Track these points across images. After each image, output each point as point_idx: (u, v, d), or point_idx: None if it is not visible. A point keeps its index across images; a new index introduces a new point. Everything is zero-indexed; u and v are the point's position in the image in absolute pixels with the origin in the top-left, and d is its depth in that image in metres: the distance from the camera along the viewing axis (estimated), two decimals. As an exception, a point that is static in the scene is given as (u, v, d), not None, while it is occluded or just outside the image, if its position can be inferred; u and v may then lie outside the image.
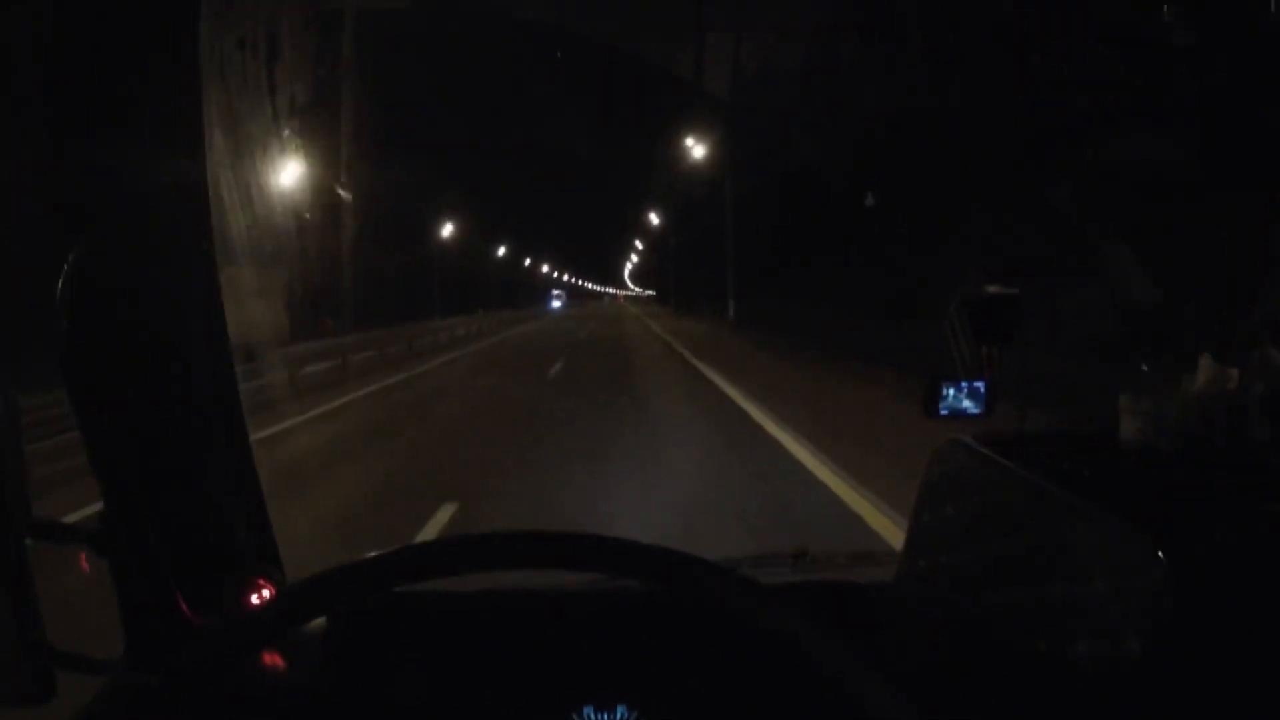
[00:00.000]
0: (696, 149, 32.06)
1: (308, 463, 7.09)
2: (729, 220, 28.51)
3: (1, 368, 0.83)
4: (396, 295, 31.59)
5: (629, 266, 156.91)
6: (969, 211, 11.11)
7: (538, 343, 25.52)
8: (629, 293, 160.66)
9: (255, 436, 1.13)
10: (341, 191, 21.82)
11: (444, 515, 5.08)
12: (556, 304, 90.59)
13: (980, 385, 1.18)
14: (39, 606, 0.83)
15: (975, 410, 1.19)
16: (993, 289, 1.24)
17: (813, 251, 19.74)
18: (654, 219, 65.19)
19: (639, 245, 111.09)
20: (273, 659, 1.00)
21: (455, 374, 16.08)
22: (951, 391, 1.18)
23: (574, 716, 0.97)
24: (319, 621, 1.02)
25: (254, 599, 1.05)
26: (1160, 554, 0.68)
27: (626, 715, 0.97)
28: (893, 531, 4.42)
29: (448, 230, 45.40)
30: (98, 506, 0.91)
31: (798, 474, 6.15)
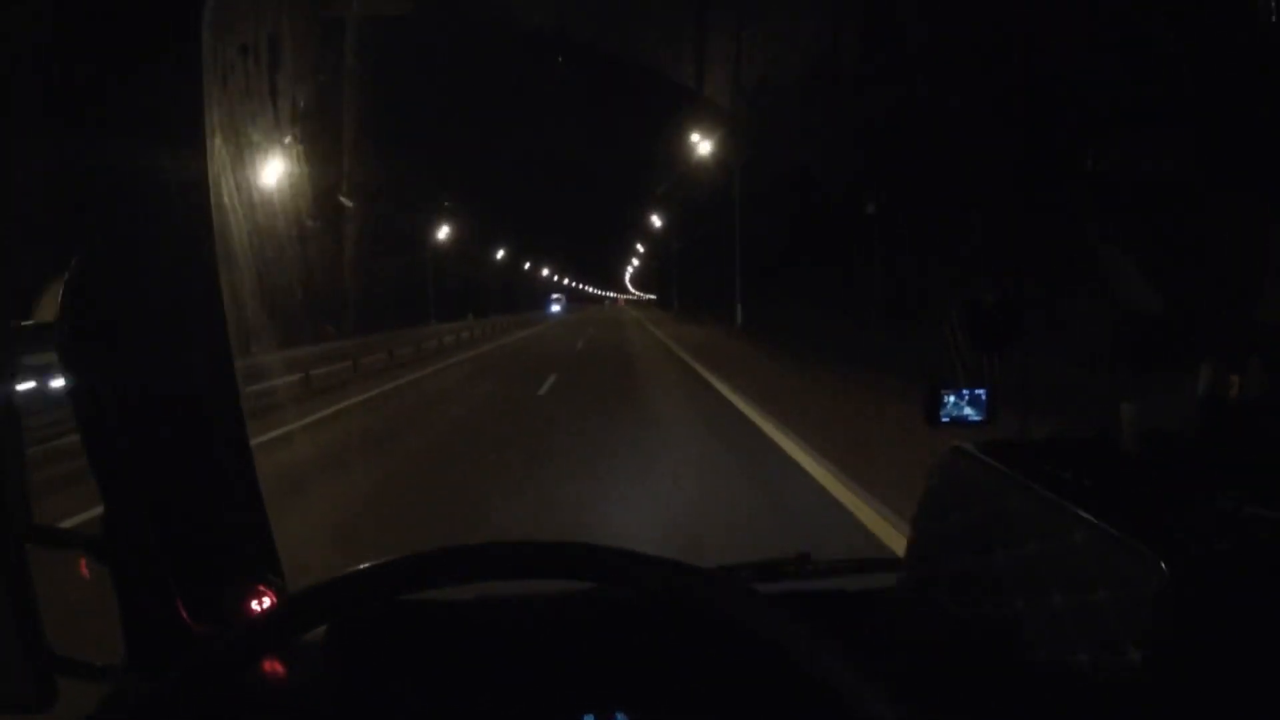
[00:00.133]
0: (701, 146, 30.45)
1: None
2: (736, 222, 27.49)
3: (1, 372, 0.83)
4: (394, 299, 31.16)
5: (629, 270, 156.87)
6: (970, 216, 11.12)
7: (532, 351, 23.21)
8: (629, 297, 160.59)
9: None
10: (344, 200, 21.83)
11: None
12: (556, 308, 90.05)
13: (981, 393, 1.19)
14: (39, 612, 0.83)
15: (977, 418, 1.19)
16: (992, 296, 1.24)
17: (818, 255, 19.64)
18: (656, 222, 64.82)
19: (640, 249, 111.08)
20: (273, 666, 1.00)
21: (430, 391, 13.80)
22: (952, 399, 1.18)
23: None
24: (319, 628, 1.02)
25: (254, 605, 1.05)
26: (1161, 563, 0.68)
27: None
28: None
29: (447, 235, 45.29)
30: (91, 514, 0.91)
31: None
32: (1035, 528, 0.84)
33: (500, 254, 74.06)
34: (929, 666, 0.90)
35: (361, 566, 0.62)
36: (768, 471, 6.40)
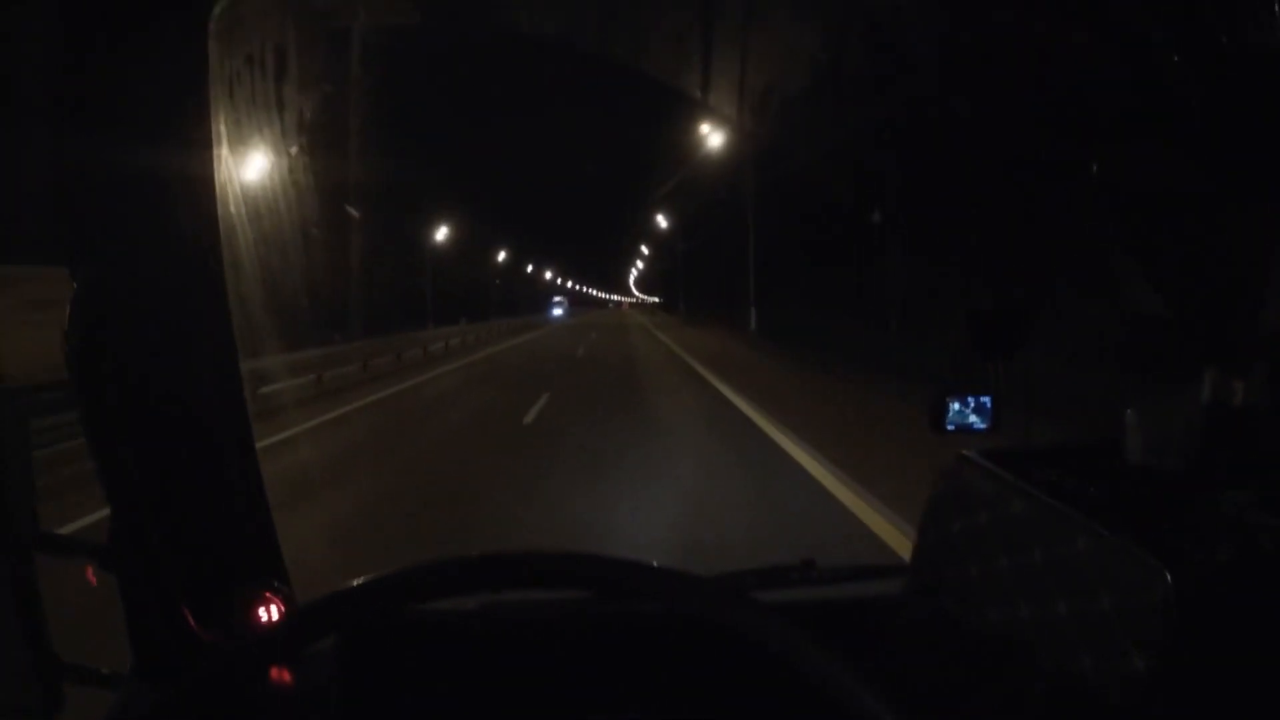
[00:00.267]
0: (712, 138, 28.13)
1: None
2: (750, 220, 26.20)
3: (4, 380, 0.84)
4: (391, 303, 30.63)
5: (633, 273, 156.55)
6: (976, 221, 11.09)
7: (526, 360, 21.13)
8: (632, 300, 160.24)
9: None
10: (350, 210, 21.88)
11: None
12: (558, 311, 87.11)
13: (987, 400, 1.19)
14: (47, 619, 0.84)
15: (982, 425, 1.19)
16: (998, 302, 1.24)
17: (831, 256, 19.28)
18: (662, 222, 63.69)
19: (644, 250, 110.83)
20: (281, 674, 1.00)
21: (387, 419, 11.15)
22: (957, 406, 1.18)
23: None
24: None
25: (261, 613, 1.05)
26: (1166, 571, 0.68)
27: None
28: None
29: (449, 239, 45.11)
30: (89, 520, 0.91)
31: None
32: (1040, 535, 0.84)
33: (501, 257, 74.03)
34: (934, 673, 0.90)
35: (370, 577, 0.62)
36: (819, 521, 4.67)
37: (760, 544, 4.60)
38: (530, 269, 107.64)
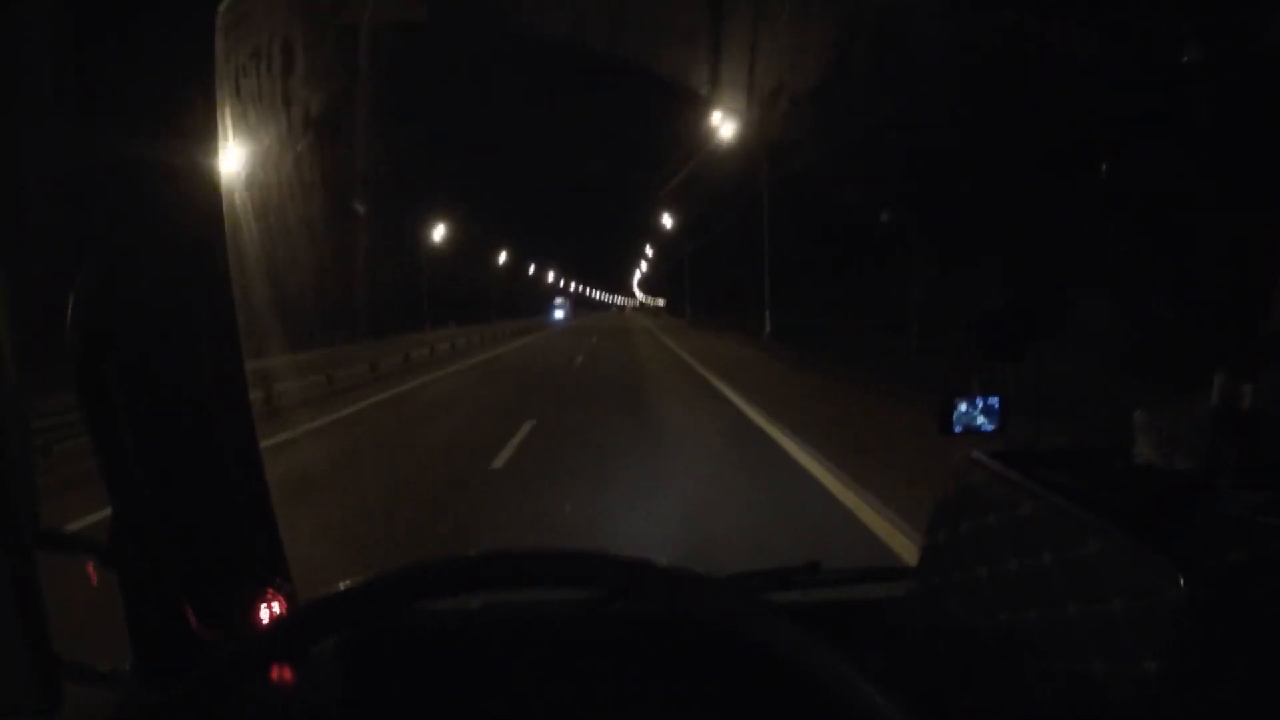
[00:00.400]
0: (723, 129, 25.90)
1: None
2: (765, 216, 24.53)
3: (6, 379, 0.83)
4: (389, 304, 30.03)
5: (638, 274, 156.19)
6: (987, 225, 11.05)
7: (518, 370, 19.03)
8: (636, 302, 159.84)
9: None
10: (357, 206, 21.88)
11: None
12: (559, 314, 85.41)
13: (994, 401, 1.18)
14: (47, 617, 0.83)
15: (989, 427, 1.18)
16: (1005, 304, 1.23)
17: (845, 259, 18.97)
18: (666, 222, 62.27)
19: (649, 252, 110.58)
20: (282, 674, 1.00)
21: (353, 441, 9.46)
22: (965, 407, 1.18)
23: None
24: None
25: (262, 610, 1.05)
26: (1178, 573, 0.68)
27: None
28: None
29: (449, 239, 45.00)
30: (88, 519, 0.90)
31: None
32: (1049, 537, 0.83)
33: (503, 258, 73.96)
34: (942, 676, 0.89)
35: (372, 576, 0.61)
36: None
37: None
38: (532, 270, 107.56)
